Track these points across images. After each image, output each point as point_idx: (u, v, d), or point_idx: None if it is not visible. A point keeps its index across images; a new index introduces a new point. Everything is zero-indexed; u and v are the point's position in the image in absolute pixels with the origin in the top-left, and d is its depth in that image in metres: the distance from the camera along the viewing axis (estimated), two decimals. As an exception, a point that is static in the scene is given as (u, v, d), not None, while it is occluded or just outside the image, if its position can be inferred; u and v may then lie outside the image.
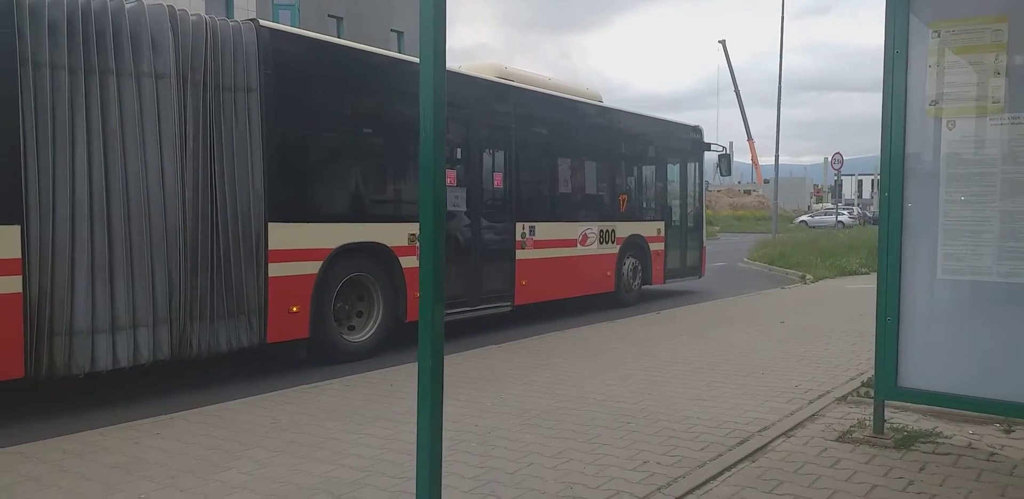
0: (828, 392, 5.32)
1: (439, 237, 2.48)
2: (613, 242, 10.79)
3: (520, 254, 9.01)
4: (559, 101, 9.86)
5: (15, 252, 4.79)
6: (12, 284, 4.78)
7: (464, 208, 8.32)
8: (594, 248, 10.40)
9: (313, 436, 4.34)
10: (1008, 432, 4.29)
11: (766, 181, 56.57)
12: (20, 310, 4.82)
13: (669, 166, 12.38)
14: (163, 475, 3.71)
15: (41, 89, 4.93)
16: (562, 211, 9.96)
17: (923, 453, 3.97)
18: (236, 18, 6.44)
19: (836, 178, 32.62)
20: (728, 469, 3.76)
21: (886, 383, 4.03)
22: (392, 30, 31.05)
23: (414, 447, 2.58)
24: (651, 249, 11.68)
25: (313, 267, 6.56)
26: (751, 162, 64.51)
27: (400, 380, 5.69)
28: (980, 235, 3.72)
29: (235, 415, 4.81)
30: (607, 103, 11.21)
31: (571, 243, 10.01)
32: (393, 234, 7.31)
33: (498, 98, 8.94)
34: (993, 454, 3.95)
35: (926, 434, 4.22)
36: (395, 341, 7.32)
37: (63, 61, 5.02)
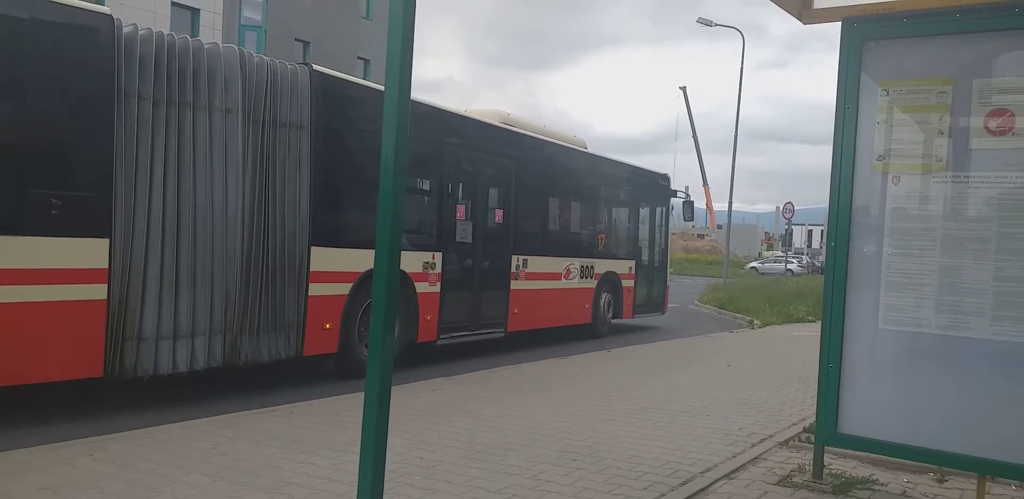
0: (771, 436, 5.39)
1: (394, 268, 2.49)
2: (592, 277, 11.65)
3: (514, 284, 9.77)
4: (553, 146, 10.89)
5: (103, 263, 5.37)
6: (99, 291, 5.36)
7: (470, 240, 9.07)
8: (575, 282, 11.25)
9: (253, 463, 4.24)
10: (941, 481, 4.39)
11: (719, 226, 57.66)
12: (104, 315, 5.39)
13: (640, 209, 13.42)
14: (93, 499, 3.58)
15: (131, 118, 5.52)
16: (550, 246, 10.78)
17: (860, 499, 4.04)
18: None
19: (787, 227, 33.46)
20: (670, 509, 3.77)
21: (826, 429, 4.10)
22: (359, 57, 31.19)
23: (356, 478, 2.55)
24: (623, 285, 12.58)
25: (345, 288, 7.23)
26: (706, 207, 65.76)
27: (346, 409, 5.61)
28: (921, 288, 3.85)
29: (174, 438, 4.68)
30: (586, 149, 12.19)
31: (557, 276, 10.82)
32: (411, 261, 8.08)
33: (502, 142, 9.83)
34: (926, 502, 4.04)
35: (863, 481, 4.30)
36: (403, 361, 7.70)
37: (150, 93, 5.62)
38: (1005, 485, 4.25)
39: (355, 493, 2.56)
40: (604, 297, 12.08)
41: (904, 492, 4.21)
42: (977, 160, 3.77)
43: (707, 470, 4.47)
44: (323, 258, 6.88)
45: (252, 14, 23.58)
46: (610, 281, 12.17)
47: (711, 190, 60.80)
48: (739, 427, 5.65)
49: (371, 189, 7.75)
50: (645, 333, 12.33)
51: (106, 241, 5.37)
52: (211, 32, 21.96)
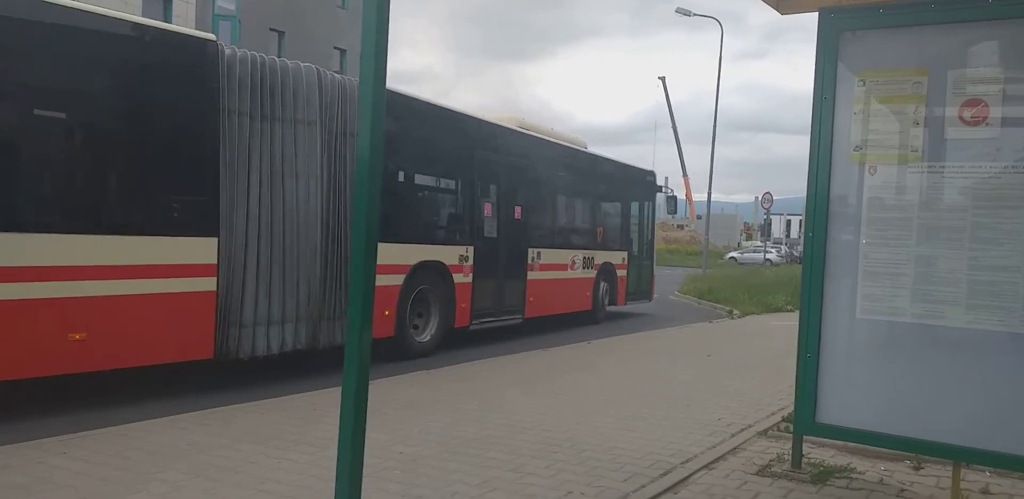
0: (750, 426, 5.42)
1: (371, 260, 2.46)
2: (592, 267, 12.67)
3: (530, 275, 10.77)
4: (561, 148, 11.94)
5: (213, 258, 6.21)
6: (210, 284, 6.21)
7: (495, 235, 10.02)
8: (579, 272, 12.30)
9: (230, 459, 4.20)
10: (918, 469, 4.44)
11: (699, 217, 57.93)
12: (214, 304, 6.23)
13: (631, 204, 14.51)
14: (68, 497, 3.53)
15: (232, 131, 6.30)
16: (559, 240, 11.85)
17: (837, 488, 4.07)
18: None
19: (766, 217, 33.66)
20: (650, 501, 3.78)
21: (805, 419, 4.13)
22: (336, 48, 30.91)
23: (334, 473, 2.52)
24: (618, 275, 13.60)
25: (399, 279, 8.22)
26: (685, 198, 65.99)
27: (323, 404, 5.57)
28: (897, 277, 3.88)
29: (148, 435, 4.62)
30: (578, 148, 12.95)
31: (564, 267, 11.86)
32: (448, 255, 9.06)
33: (520, 144, 10.78)
34: (903, 490, 4.08)
35: (841, 470, 4.34)
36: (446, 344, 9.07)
37: (247, 109, 6.41)
38: (979, 471, 4.30)
39: (333, 489, 2.53)
40: (602, 286, 13.06)
41: (881, 480, 4.24)
42: (952, 150, 3.79)
43: (687, 460, 4.49)
44: (382, 252, 7.26)
45: (226, 3, 23.23)
46: (607, 271, 13.17)
47: (690, 180, 61.00)
48: (719, 417, 5.67)
49: (422, 192, 9.43)
50: (634, 319, 12.72)
51: (215, 239, 6.22)
52: (184, 21, 21.61)
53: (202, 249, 6.17)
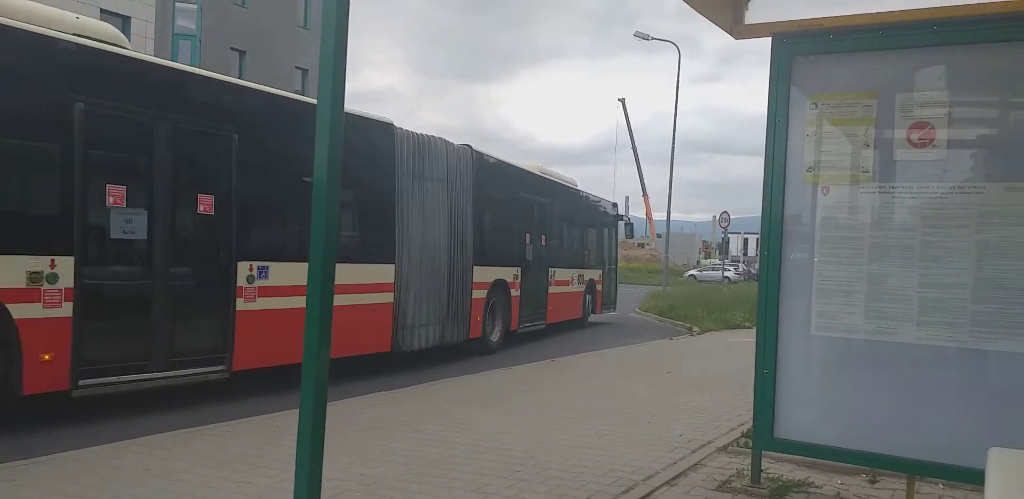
0: (710, 442, 5.47)
1: (329, 282, 2.44)
2: (582, 283, 15.84)
3: (551, 289, 13.73)
4: (565, 187, 15.11)
5: (391, 279, 8.85)
6: (390, 297, 8.84)
7: (531, 258, 12.80)
8: (575, 287, 15.41)
9: (187, 484, 4.11)
10: (873, 482, 4.52)
11: (659, 235, 58.52)
12: (391, 312, 8.87)
13: (603, 229, 17.59)
14: (15, 526, 3.42)
15: (403, 188, 9.06)
16: (565, 260, 14.69)
17: (796, 502, 4.13)
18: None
19: (723, 236, 34.16)
20: (613, 518, 3.79)
21: (763, 434, 4.19)
22: (297, 67, 30.78)
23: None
24: (598, 288, 16.85)
25: (483, 293, 10.91)
26: (645, 217, 66.63)
27: (284, 425, 5.48)
28: (850, 295, 3.98)
29: (103, 460, 4.51)
30: (561, 184, 15.54)
31: (568, 283, 14.91)
32: (506, 274, 11.74)
33: (544, 187, 13.85)
34: (859, 503, 4.15)
35: (799, 484, 4.40)
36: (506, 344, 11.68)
37: (410, 172, 9.17)
38: (933, 484, 4.39)
39: (293, 512, 2.50)
40: (587, 297, 16.28)
41: (838, 494, 4.31)
42: (901, 171, 3.92)
43: (649, 477, 4.52)
44: (478, 273, 10.62)
45: (186, 23, 23.05)
46: (591, 285, 16.41)
47: (650, 200, 61.63)
48: (679, 433, 5.72)
49: (500, 228, 12.44)
50: (576, 345, 12.73)
51: (392, 266, 8.89)
52: (143, 41, 21.38)
53: (386, 273, 8.81)
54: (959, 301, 3.72)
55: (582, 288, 15.85)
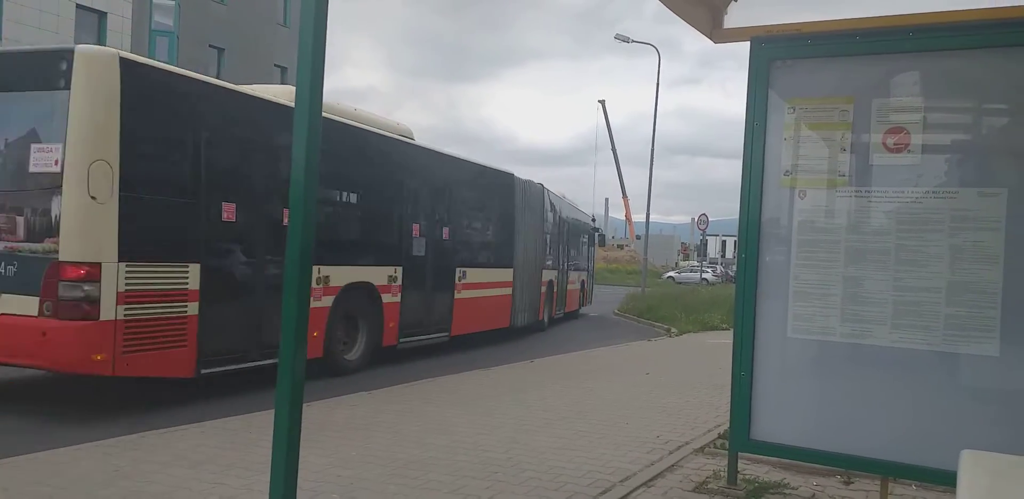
0: (687, 443, 5.50)
1: (305, 281, 2.42)
2: (579, 282, 19.65)
3: (568, 287, 17.87)
4: (570, 206, 18.61)
5: (510, 278, 13.23)
6: (509, 290, 13.17)
7: (560, 266, 16.85)
8: (577, 285, 19.30)
9: (160, 485, 4.06)
10: (848, 484, 4.56)
11: (638, 237, 58.74)
12: (510, 301, 13.25)
13: (585, 237, 20.65)
14: (-18, 530, 3.36)
15: (521, 223, 13.64)
16: (572, 265, 18.27)
17: (772, 503, 4.16)
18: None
19: (702, 238, 34.30)
20: (590, 520, 3.80)
21: (739, 436, 4.21)
22: (276, 65, 30.59)
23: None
24: (584, 287, 20.47)
25: (543, 287, 15.73)
26: (625, 218, 66.94)
27: (261, 426, 5.44)
28: (826, 297, 4.01)
29: (72, 461, 4.45)
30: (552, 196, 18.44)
31: (575, 282, 18.90)
32: (549, 276, 16.25)
33: (563, 208, 17.31)
34: (834, 504, 4.19)
35: (775, 485, 4.43)
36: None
37: (524, 208, 13.68)
38: (906, 485, 4.44)
39: (268, 515, 2.48)
40: (579, 294, 19.90)
41: (813, 495, 4.35)
42: (877, 176, 3.96)
43: (626, 478, 4.53)
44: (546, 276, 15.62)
45: (163, 19, 22.80)
46: (582, 284, 20.05)
47: (630, 202, 61.89)
48: (657, 435, 5.74)
49: (557, 246, 17.80)
50: (555, 346, 12.86)
51: (511, 269, 13.27)
52: (119, 37, 21.12)
53: (509, 274, 13.19)
54: (933, 304, 3.76)
55: (579, 286, 19.31)
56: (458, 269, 11.37)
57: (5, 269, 5.87)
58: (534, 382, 8.20)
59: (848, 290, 3.96)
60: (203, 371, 6.66)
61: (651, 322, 18.49)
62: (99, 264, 5.74)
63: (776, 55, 4.17)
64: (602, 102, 62.11)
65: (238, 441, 5.09)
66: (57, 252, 5.70)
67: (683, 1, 4.35)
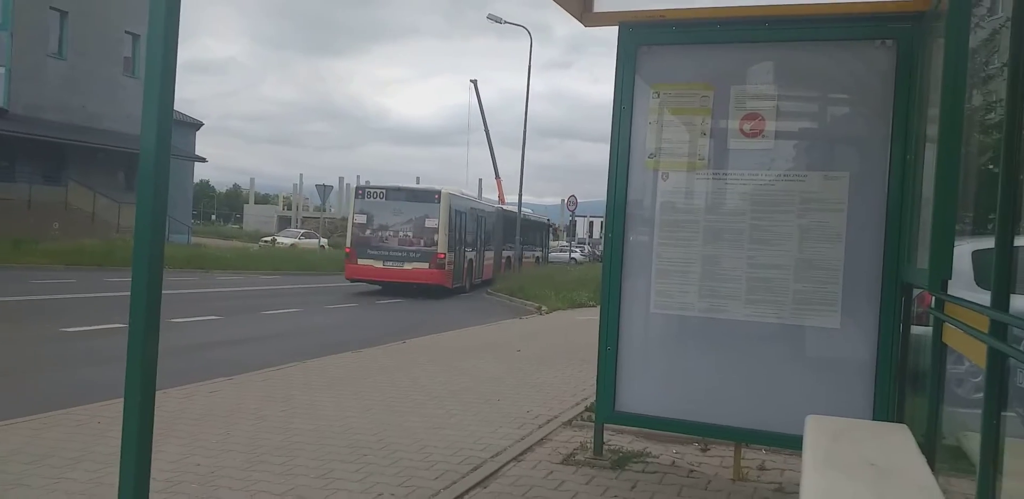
0: (556, 417, 5.64)
1: (156, 266, 2.26)
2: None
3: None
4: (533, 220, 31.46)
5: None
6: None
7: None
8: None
9: (-4, 484, 3.75)
10: (705, 450, 4.82)
11: (510, 217, 59.32)
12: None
13: (539, 235, 29.47)
14: None
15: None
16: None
17: (635, 472, 4.34)
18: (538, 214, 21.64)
19: (571, 218, 35.14)
20: (461, 496, 3.83)
21: (605, 408, 4.36)
22: (127, 31, 28.51)
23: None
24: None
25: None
26: (498, 199, 67.42)
27: (110, 417, 5.11)
28: (686, 274, 4.20)
29: None
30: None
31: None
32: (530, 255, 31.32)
33: (501, 214, 27.06)
34: (692, 471, 4.42)
35: (638, 454, 4.62)
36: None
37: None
38: (757, 450, 4.74)
39: (118, 509, 2.33)
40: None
41: (673, 462, 4.57)
42: (734, 159, 4.16)
43: (497, 454, 4.59)
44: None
45: (-5, -26, 20.74)
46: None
47: (502, 182, 62.31)
48: (527, 410, 5.85)
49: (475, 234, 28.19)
50: (452, 307, 13.77)
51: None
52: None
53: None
54: (781, 281, 4.01)
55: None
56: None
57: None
58: (405, 362, 8.16)
59: (706, 268, 4.16)
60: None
61: (523, 300, 18.80)
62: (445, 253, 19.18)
63: (642, 41, 4.28)
64: (474, 82, 61.67)
65: (85, 433, 4.76)
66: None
67: (554, -18, 4.37)
